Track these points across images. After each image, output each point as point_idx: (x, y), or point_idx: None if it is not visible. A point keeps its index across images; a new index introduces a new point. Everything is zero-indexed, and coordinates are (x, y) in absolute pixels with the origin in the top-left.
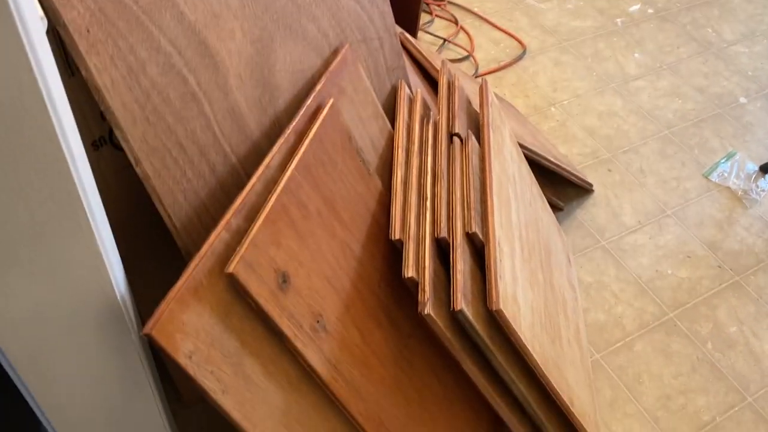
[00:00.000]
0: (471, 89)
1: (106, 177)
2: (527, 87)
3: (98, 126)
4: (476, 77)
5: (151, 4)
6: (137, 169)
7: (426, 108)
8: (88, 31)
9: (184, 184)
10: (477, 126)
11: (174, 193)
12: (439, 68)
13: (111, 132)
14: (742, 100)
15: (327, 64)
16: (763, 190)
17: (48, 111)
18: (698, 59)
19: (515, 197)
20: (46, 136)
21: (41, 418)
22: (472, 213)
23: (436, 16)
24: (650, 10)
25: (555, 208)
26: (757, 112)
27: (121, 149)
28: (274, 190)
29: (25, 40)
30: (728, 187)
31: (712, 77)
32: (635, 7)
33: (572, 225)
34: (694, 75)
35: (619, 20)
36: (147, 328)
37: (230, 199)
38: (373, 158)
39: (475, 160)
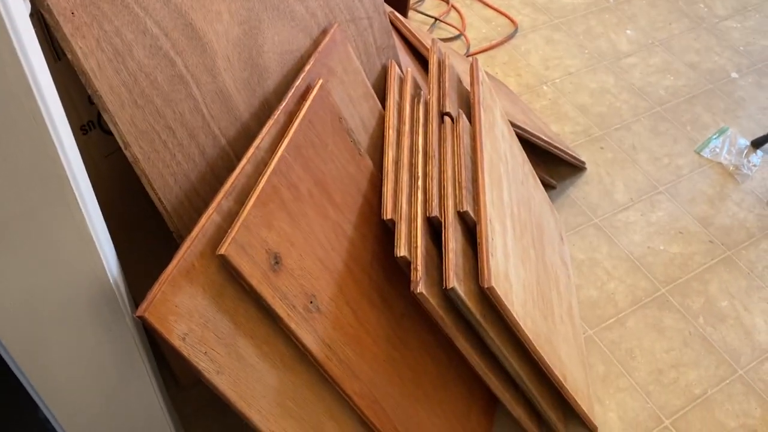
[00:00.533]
0: (462, 68)
1: (96, 161)
2: (519, 65)
3: (86, 110)
4: (468, 56)
5: None
6: (126, 153)
7: (417, 87)
8: (72, 13)
9: (174, 167)
10: (468, 105)
11: (164, 176)
12: (429, 47)
13: (99, 116)
14: (734, 75)
15: (316, 44)
16: (755, 165)
17: (34, 95)
18: (690, 35)
19: (507, 176)
20: (33, 121)
21: (39, 403)
22: (464, 192)
23: None
24: None
25: (547, 186)
26: (748, 87)
27: (110, 133)
28: (265, 172)
29: (7, 24)
30: (720, 163)
31: (704, 53)
32: None
33: (565, 203)
34: (686, 51)
35: None
36: (140, 311)
37: (220, 182)
38: (363, 138)
39: (466, 139)
